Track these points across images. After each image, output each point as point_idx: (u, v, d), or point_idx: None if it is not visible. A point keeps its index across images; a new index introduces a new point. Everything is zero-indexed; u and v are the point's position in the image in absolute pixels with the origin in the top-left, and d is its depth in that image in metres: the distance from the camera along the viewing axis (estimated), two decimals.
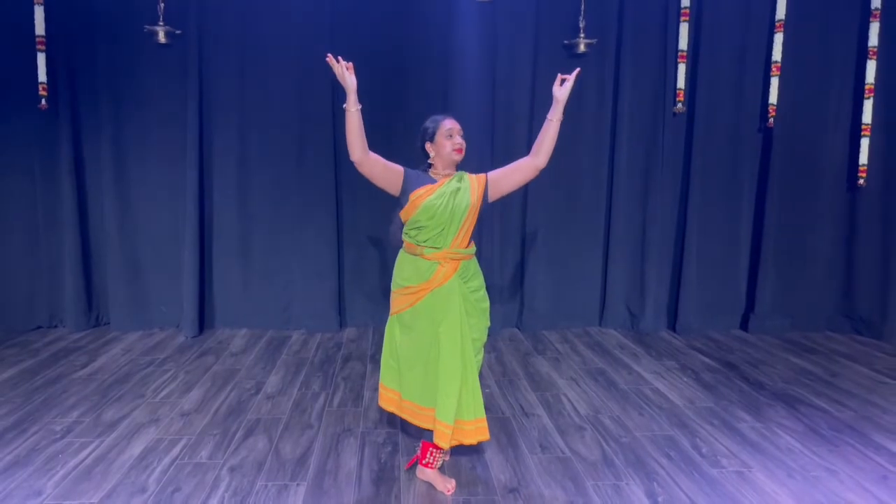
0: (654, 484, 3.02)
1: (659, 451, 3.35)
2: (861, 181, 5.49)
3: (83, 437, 3.44)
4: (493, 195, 2.94)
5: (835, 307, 5.71)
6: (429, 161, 2.95)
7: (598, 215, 5.66)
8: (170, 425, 3.61)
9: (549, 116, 2.86)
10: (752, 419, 3.75)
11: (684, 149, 5.57)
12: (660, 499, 2.89)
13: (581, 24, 5.33)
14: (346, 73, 2.81)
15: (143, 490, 2.92)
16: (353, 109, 2.79)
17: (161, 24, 5.07)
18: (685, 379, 4.45)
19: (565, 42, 5.39)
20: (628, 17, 5.42)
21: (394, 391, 3.04)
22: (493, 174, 2.95)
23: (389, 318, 3.06)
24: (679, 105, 5.45)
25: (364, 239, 5.57)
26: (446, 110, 5.31)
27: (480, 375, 4.38)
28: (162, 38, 5.08)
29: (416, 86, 5.41)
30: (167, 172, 5.42)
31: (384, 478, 3.07)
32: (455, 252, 2.90)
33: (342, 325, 5.63)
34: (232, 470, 3.11)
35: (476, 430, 2.88)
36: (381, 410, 3.78)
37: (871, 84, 5.41)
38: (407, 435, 3.49)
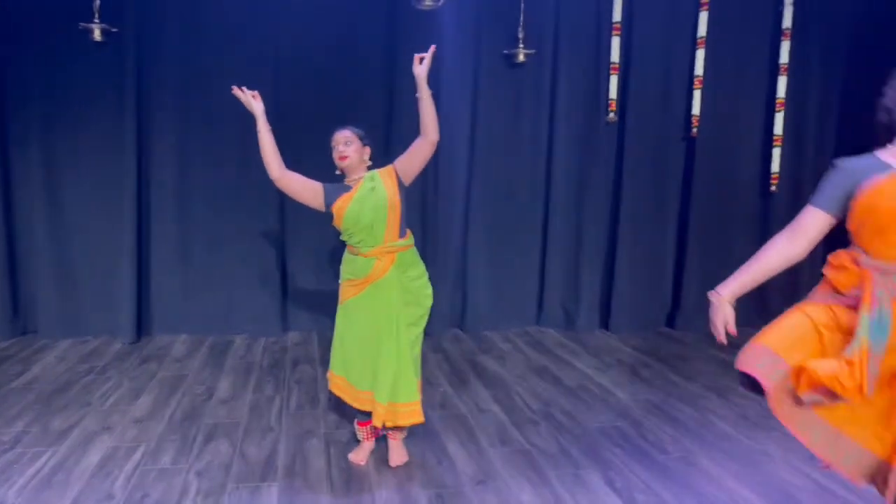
0: (611, 472, 3.21)
1: (610, 442, 3.55)
2: (773, 188, 5.94)
3: (34, 446, 3.33)
4: (407, 179, 3.12)
5: (752, 304, 6.13)
6: (337, 173, 3.16)
7: (536, 219, 5.87)
8: (124, 432, 3.53)
9: (417, 95, 2.99)
10: (689, 409, 4.02)
11: (616, 155, 5.86)
12: (617, 485, 3.08)
13: (520, 35, 5.53)
14: (251, 101, 3.09)
15: (109, 497, 2.87)
16: (264, 131, 3.05)
17: (97, 21, 4.92)
18: (624, 374, 4.70)
19: (505, 52, 5.59)
20: (564, 29, 5.67)
21: (340, 377, 3.18)
22: (398, 161, 3.13)
23: (338, 307, 3.23)
24: (611, 114, 5.74)
25: (308, 243, 5.57)
26: (390, 123, 5.46)
27: (433, 374, 4.51)
28: (97, 35, 4.93)
29: (361, 100, 5.46)
30: (102, 176, 5.25)
31: (354, 475, 3.13)
32: (390, 246, 3.08)
33: (286, 329, 5.60)
34: (199, 474, 3.09)
35: (410, 412, 3.08)
36: (341, 412, 3.84)
37: (782, 98, 5.87)
38: None
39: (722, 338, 2.10)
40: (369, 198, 3.04)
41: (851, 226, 2.01)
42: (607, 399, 4.20)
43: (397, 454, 3.25)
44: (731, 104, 5.91)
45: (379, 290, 3.08)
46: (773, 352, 2.02)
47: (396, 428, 3.21)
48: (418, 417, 3.10)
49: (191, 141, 5.37)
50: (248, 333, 5.48)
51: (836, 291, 2.03)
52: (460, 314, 5.81)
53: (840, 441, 2.01)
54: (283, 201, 5.49)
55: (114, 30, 4.99)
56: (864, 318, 1.91)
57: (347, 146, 3.07)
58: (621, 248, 5.85)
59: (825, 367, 1.92)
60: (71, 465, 3.14)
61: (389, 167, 3.14)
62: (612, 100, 5.73)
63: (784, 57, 5.81)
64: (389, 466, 3.21)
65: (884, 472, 1.98)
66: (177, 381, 4.35)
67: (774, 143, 5.91)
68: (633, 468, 3.24)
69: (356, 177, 3.12)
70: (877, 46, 5.77)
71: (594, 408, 4.03)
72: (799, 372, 1.97)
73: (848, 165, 2.02)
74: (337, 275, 5.50)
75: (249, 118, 5.28)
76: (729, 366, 5.13)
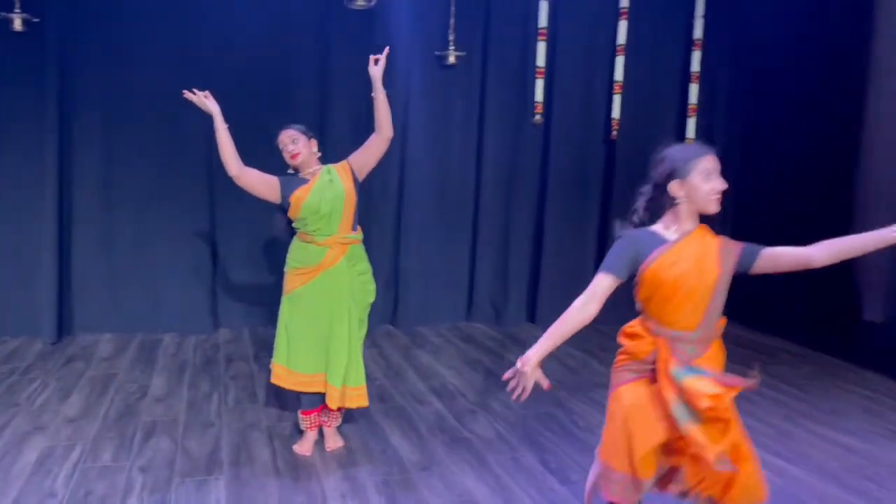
0: (546, 455, 3.39)
1: (543, 427, 3.74)
2: None
3: None
4: (362, 174, 3.28)
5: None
6: (290, 171, 3.26)
7: (466, 218, 6.04)
8: (58, 432, 3.46)
9: (372, 95, 3.16)
10: None
11: (542, 156, 6.10)
12: (553, 466, 3.27)
13: (451, 38, 5.68)
14: (205, 101, 3.14)
15: (52, 495, 2.82)
16: (221, 129, 3.11)
17: (17, 10, 4.74)
18: (552, 364, 4.91)
19: (437, 53, 5.72)
20: (493, 33, 5.85)
21: (281, 366, 3.26)
22: (353, 157, 3.28)
23: (282, 298, 3.30)
24: (538, 116, 5.97)
25: (240, 238, 5.54)
26: (323, 124, 5.50)
27: (369, 368, 4.59)
28: (18, 25, 4.76)
29: (292, 99, 5.47)
30: (21, 171, 5.05)
31: (301, 465, 3.19)
32: (344, 238, 3.22)
33: (216, 326, 5.55)
34: (143, 470, 3.08)
35: (358, 395, 3.23)
36: (282, 405, 3.84)
37: (694, 104, 6.25)
38: None
39: (523, 398, 2.20)
40: (328, 189, 3.15)
41: (641, 297, 2.16)
42: (537, 388, 4.38)
43: (333, 440, 3.40)
44: (648, 109, 6.24)
45: (330, 278, 3.19)
46: (621, 473, 2.14)
47: (338, 411, 3.35)
48: (364, 401, 3.25)
49: (114, 135, 5.24)
50: (177, 332, 5.40)
51: (635, 359, 2.18)
52: (392, 310, 5.91)
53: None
54: (213, 196, 5.45)
55: (35, 20, 4.82)
56: (671, 399, 2.06)
57: (295, 143, 3.17)
58: (547, 246, 6.09)
59: (707, 446, 2.05)
60: (7, 465, 3.06)
61: (344, 162, 3.26)
62: (538, 102, 5.96)
63: (695, 65, 6.20)
64: (333, 456, 3.28)
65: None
66: (107, 380, 4.27)
67: None
68: (567, 450, 3.44)
69: (311, 170, 3.22)
70: (778, 56, 6.25)
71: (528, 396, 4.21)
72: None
73: (632, 235, 2.16)
74: (271, 269, 5.56)
75: (178, 111, 5.26)
76: None
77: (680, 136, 6.30)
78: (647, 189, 2.20)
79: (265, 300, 5.63)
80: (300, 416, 3.36)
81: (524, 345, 5.37)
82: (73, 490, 2.87)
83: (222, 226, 5.52)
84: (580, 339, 5.50)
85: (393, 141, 5.76)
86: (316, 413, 3.34)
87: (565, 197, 6.12)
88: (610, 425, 2.20)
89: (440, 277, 6.02)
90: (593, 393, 4.30)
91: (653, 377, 2.14)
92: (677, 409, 2.07)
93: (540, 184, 6.13)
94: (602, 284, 2.14)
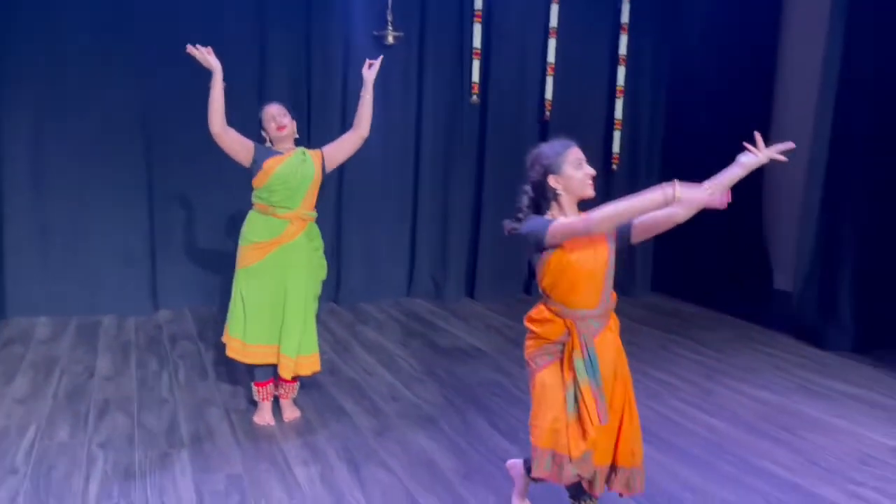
0: (494, 417, 3.61)
1: (490, 393, 3.96)
2: (614, 167, 6.63)
3: None
4: (331, 165, 3.47)
5: None
6: (267, 145, 3.38)
7: (406, 195, 6.17)
8: (9, 413, 3.44)
9: (361, 94, 3.43)
10: None
11: (479, 136, 6.28)
12: (501, 427, 3.48)
13: (389, 18, 5.77)
14: (207, 56, 3.25)
15: (13, 471, 2.84)
16: (218, 87, 3.21)
17: None
18: (493, 336, 5.15)
19: (375, 33, 5.80)
20: (430, 13, 5.97)
21: (237, 339, 3.36)
22: (327, 149, 3.47)
23: (236, 272, 3.40)
24: (474, 97, 6.14)
25: (178, 219, 5.52)
26: (261, 101, 5.49)
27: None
28: None
29: (232, 79, 5.40)
30: None
31: (261, 436, 3.30)
32: (304, 213, 3.37)
33: (156, 307, 5.51)
34: (102, 446, 3.12)
35: (310, 362, 3.40)
36: (234, 381, 3.96)
37: (622, 86, 6.55)
38: None
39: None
40: (300, 167, 3.31)
41: (545, 284, 2.33)
42: (481, 358, 4.61)
43: (290, 410, 3.52)
44: (579, 91, 6.50)
45: (287, 252, 3.32)
46: (546, 449, 2.30)
47: (293, 381, 3.46)
48: (317, 366, 3.43)
49: (46, 112, 5.12)
50: (115, 313, 5.34)
51: (548, 341, 2.35)
52: (335, 288, 6.00)
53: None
54: (151, 175, 5.39)
55: None
56: (578, 363, 2.29)
57: (285, 117, 3.32)
58: (484, 223, 6.30)
59: (576, 443, 2.28)
60: None
61: (317, 151, 3.44)
62: (474, 83, 6.12)
63: (623, 49, 6.48)
64: (292, 426, 3.40)
65: (602, 475, 2.36)
66: (50, 363, 4.23)
67: (615, 127, 6.58)
68: (513, 413, 3.66)
69: (287, 146, 3.36)
70: (699, 42, 6.62)
71: (470, 365, 4.43)
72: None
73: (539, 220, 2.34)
74: (210, 248, 5.56)
75: (111, 86, 5.18)
76: None
77: (609, 117, 6.60)
78: (528, 188, 2.38)
79: (205, 279, 5.64)
80: (254, 387, 3.46)
81: (465, 319, 5.61)
82: (35, 466, 2.89)
83: (159, 206, 5.47)
84: (517, 311, 5.77)
85: (333, 120, 5.89)
86: (270, 384, 3.44)
87: (501, 176, 6.31)
88: (534, 408, 2.38)
89: (381, 254, 6.15)
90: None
91: (562, 358, 2.34)
92: (569, 395, 2.30)
93: (477, 163, 6.32)
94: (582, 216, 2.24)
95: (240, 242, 3.41)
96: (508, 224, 2.46)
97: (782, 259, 7.05)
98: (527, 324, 2.47)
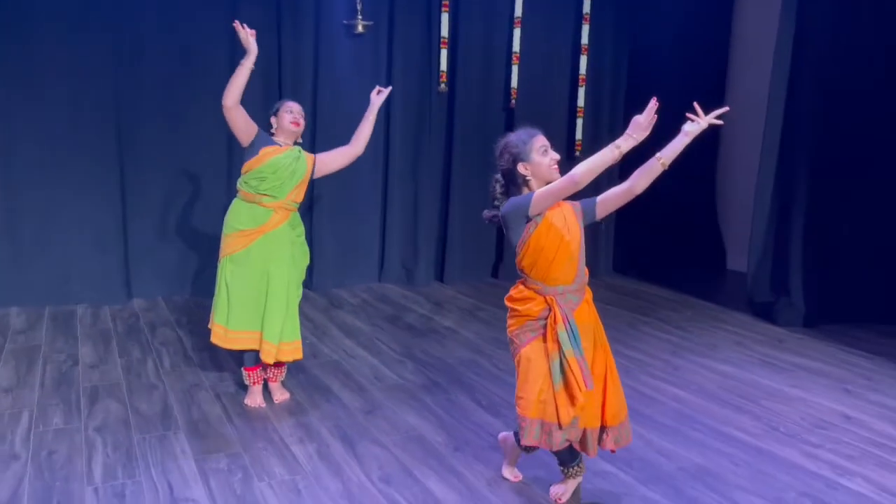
0: (476, 394, 3.78)
1: (469, 371, 4.13)
2: (577, 153, 6.84)
3: None
4: (319, 173, 3.63)
5: None
6: (271, 132, 3.48)
7: (376, 182, 6.27)
8: None
9: (366, 114, 3.66)
10: None
11: (447, 123, 6.41)
12: (484, 403, 3.66)
13: (358, 7, 5.84)
14: (249, 38, 3.32)
15: (14, 457, 2.89)
16: (247, 68, 3.30)
17: None
18: (465, 318, 5.32)
19: (345, 22, 5.87)
20: (399, 3, 6.05)
21: (221, 326, 3.45)
22: (320, 156, 3.62)
23: (220, 260, 3.49)
24: (442, 85, 6.27)
25: (151, 207, 5.52)
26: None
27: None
28: None
29: (204, 72, 5.47)
30: None
31: (255, 417, 3.40)
32: (289, 203, 3.49)
33: (130, 296, 5.52)
34: (99, 430, 3.18)
35: (292, 349, 3.50)
36: (219, 366, 4.05)
37: (584, 75, 6.75)
38: None
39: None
40: (293, 163, 3.44)
41: (525, 264, 2.52)
42: (456, 339, 4.77)
43: (279, 393, 3.63)
44: (543, 79, 6.68)
45: (271, 240, 3.43)
46: (534, 419, 2.49)
47: (278, 366, 3.57)
48: (299, 354, 3.53)
49: (16, 101, 5.06)
50: (89, 302, 5.33)
51: (530, 318, 2.52)
52: (308, 274, 6.02)
53: (578, 432, 2.54)
54: (123, 161, 5.38)
55: None
56: (562, 335, 2.47)
57: (301, 116, 3.48)
58: (453, 209, 6.45)
59: (565, 410, 2.46)
60: None
61: (311, 155, 3.57)
62: (442, 71, 6.25)
63: (584, 38, 6.68)
64: (282, 408, 3.51)
65: (594, 437, 2.54)
66: (32, 352, 4.23)
67: (578, 115, 6.79)
68: (493, 390, 3.84)
69: (288, 141, 3.48)
70: (657, 29, 6.87)
71: (448, 346, 4.59)
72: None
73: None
74: (183, 237, 5.59)
75: (81, 71, 5.14)
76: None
77: (572, 105, 6.80)
78: (499, 177, 2.59)
79: (178, 268, 5.67)
80: (244, 371, 3.55)
81: (437, 302, 5.77)
82: (35, 451, 2.95)
83: (132, 194, 5.47)
84: (489, 294, 5.96)
85: (304, 108, 5.95)
86: (259, 368, 3.54)
87: (469, 163, 6.47)
88: (520, 381, 2.56)
89: (353, 241, 6.24)
90: (506, 340, 4.72)
91: (545, 333, 2.53)
92: (554, 366, 2.50)
93: (446, 150, 6.46)
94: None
95: (224, 231, 3.49)
96: (488, 213, 2.64)
97: (735, 241, 7.41)
98: (508, 303, 2.65)
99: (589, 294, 2.62)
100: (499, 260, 6.79)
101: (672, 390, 3.91)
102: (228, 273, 3.44)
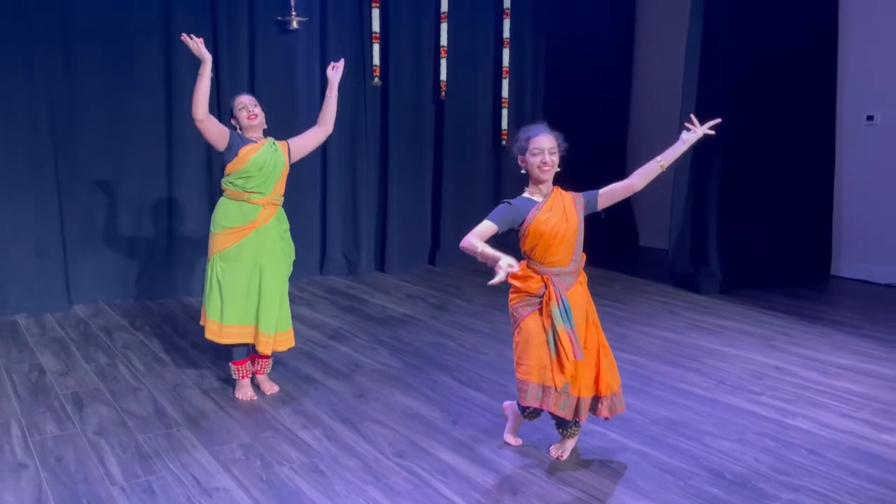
0: (454, 372, 4.02)
1: (440, 353, 4.35)
2: (503, 142, 7.18)
3: None
4: (295, 157, 3.71)
5: (491, 238, 7.33)
6: (238, 131, 3.56)
7: (315, 176, 6.35)
8: None
9: (327, 93, 3.71)
10: (483, 322, 5.00)
11: (381, 117, 6.58)
12: (464, 380, 3.90)
13: (292, 2, 5.89)
14: (200, 47, 3.38)
15: (21, 466, 2.87)
16: (206, 77, 3.35)
17: None
18: (418, 304, 5.53)
19: (279, 18, 5.90)
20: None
21: (215, 322, 3.54)
22: (292, 140, 3.72)
23: (210, 258, 3.57)
24: (376, 79, 6.42)
25: (88, 211, 5.38)
26: (170, 92, 5.47)
27: None
28: None
29: (140, 71, 5.37)
30: None
31: (250, 409, 3.49)
32: (276, 198, 3.60)
33: (71, 302, 5.35)
34: (99, 433, 3.18)
35: (286, 339, 3.67)
36: (196, 364, 4.09)
37: (507, 67, 7.09)
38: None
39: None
40: (272, 156, 3.53)
41: (526, 247, 2.83)
42: (417, 324, 4.99)
43: (268, 385, 3.74)
44: (469, 72, 6.96)
45: (261, 235, 3.54)
46: (536, 383, 2.79)
47: (265, 358, 3.68)
48: (293, 342, 3.70)
49: None
50: (28, 311, 5.14)
51: (529, 294, 2.82)
52: None
53: (570, 399, 2.85)
54: (57, 163, 5.21)
55: None
56: (555, 311, 2.77)
57: (256, 107, 3.52)
58: (391, 199, 6.64)
59: (559, 377, 2.77)
60: None
61: (284, 142, 3.64)
62: (375, 66, 6.40)
63: (506, 32, 7.01)
64: (275, 399, 3.62)
65: (587, 405, 2.85)
66: None
67: (503, 105, 7.13)
68: (468, 368, 4.09)
69: (256, 135, 3.54)
70: (570, 26, 7.31)
71: (413, 331, 4.80)
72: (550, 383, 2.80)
73: (514, 204, 2.83)
74: (122, 240, 5.49)
75: (10, 80, 4.95)
76: (492, 289, 6.24)
77: (497, 97, 7.12)
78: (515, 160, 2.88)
79: (120, 271, 5.55)
80: (232, 366, 3.63)
81: (385, 291, 5.97)
82: (42, 459, 2.93)
83: (68, 198, 5.30)
84: (432, 280, 6.20)
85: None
86: (248, 362, 3.64)
87: (405, 154, 6.68)
88: (520, 350, 2.85)
89: (294, 235, 6.25)
90: (466, 322, 5.00)
91: (541, 308, 2.83)
92: (549, 338, 2.81)
93: (381, 141, 6.62)
94: (484, 229, 2.77)
95: (212, 229, 3.55)
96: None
97: (646, 220, 8.01)
98: (510, 280, 2.90)
99: (584, 277, 2.92)
100: (435, 247, 7.03)
101: (626, 356, 4.30)
102: (219, 270, 3.51)
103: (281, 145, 3.61)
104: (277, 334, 3.58)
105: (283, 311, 3.61)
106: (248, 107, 3.51)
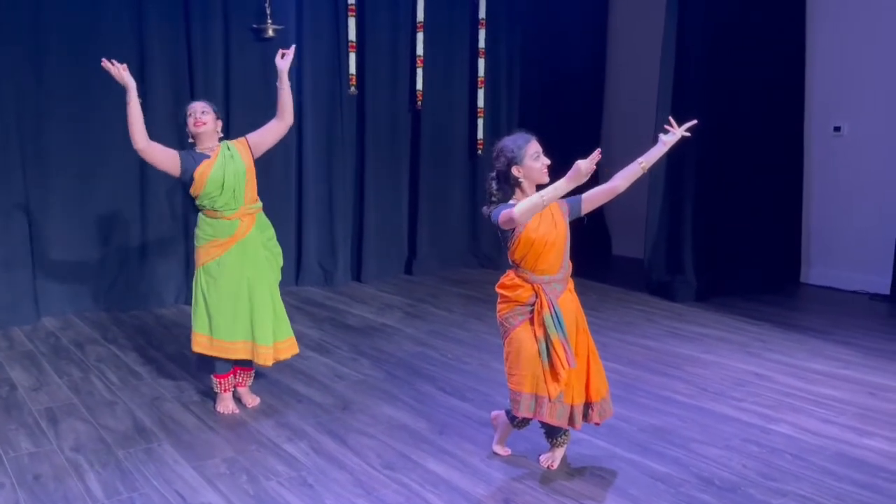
0: (437, 382, 3.99)
1: (422, 363, 4.32)
2: (479, 151, 7.19)
3: None
4: (257, 152, 3.56)
5: (466, 248, 7.36)
6: (190, 141, 3.47)
7: (290, 186, 6.28)
8: None
9: (277, 84, 3.51)
10: (463, 332, 4.98)
11: (357, 125, 6.54)
12: (448, 389, 3.88)
13: (267, 10, 5.83)
14: (122, 73, 3.28)
15: None
16: (134, 103, 3.25)
17: None
18: (396, 313, 5.49)
19: (254, 26, 5.84)
20: (307, 7, 6.10)
21: (204, 335, 3.45)
22: (251, 137, 3.56)
23: (196, 271, 3.48)
24: (352, 88, 6.38)
25: (56, 221, 5.25)
26: (144, 102, 5.32)
27: None
28: None
29: (112, 81, 5.23)
30: None
31: (232, 423, 3.42)
32: (249, 207, 3.49)
33: (39, 315, 5.20)
34: (76, 450, 3.09)
35: (288, 346, 3.58)
36: (173, 377, 4.00)
37: (482, 77, 7.11)
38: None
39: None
40: (230, 164, 3.39)
41: (516, 256, 2.81)
42: (398, 334, 4.95)
43: (250, 398, 3.66)
44: (446, 81, 6.96)
45: (244, 247, 3.46)
46: (529, 393, 2.78)
47: (247, 371, 3.61)
48: (295, 349, 3.60)
49: None
50: None
51: (519, 303, 2.82)
52: None
53: (564, 408, 2.85)
54: (26, 172, 5.07)
55: None
56: (548, 319, 2.77)
57: (204, 114, 3.39)
58: (367, 208, 6.59)
59: (553, 386, 2.77)
60: None
61: (242, 139, 3.53)
62: (352, 74, 6.36)
63: (482, 42, 7.04)
64: (257, 412, 3.55)
65: (579, 412, 2.85)
66: None
67: (478, 115, 7.14)
68: (452, 377, 4.07)
69: (210, 145, 3.43)
70: (546, 33, 7.38)
71: (394, 342, 4.76)
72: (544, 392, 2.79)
73: (505, 207, 2.74)
74: (93, 251, 5.37)
75: None
76: (470, 298, 6.24)
77: (472, 106, 7.13)
78: (494, 176, 2.84)
79: (88, 283, 5.42)
80: (214, 379, 3.55)
81: (362, 301, 5.91)
82: (18, 477, 2.83)
83: (39, 205, 5.16)
84: (409, 291, 6.17)
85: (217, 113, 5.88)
86: (231, 375, 3.56)
87: (381, 163, 6.64)
88: (511, 360, 2.84)
89: None
90: (447, 332, 4.98)
91: (532, 318, 2.82)
92: (541, 347, 2.79)
93: (358, 150, 6.58)
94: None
95: (196, 243, 3.48)
96: (486, 210, 2.88)
97: (619, 229, 8.08)
98: (499, 290, 2.92)
99: (571, 284, 2.92)
100: (412, 256, 7.00)
101: (609, 365, 4.26)
102: (203, 283, 3.43)
103: (238, 144, 3.47)
104: (276, 343, 3.49)
105: (278, 319, 3.54)
106: (195, 113, 3.38)
